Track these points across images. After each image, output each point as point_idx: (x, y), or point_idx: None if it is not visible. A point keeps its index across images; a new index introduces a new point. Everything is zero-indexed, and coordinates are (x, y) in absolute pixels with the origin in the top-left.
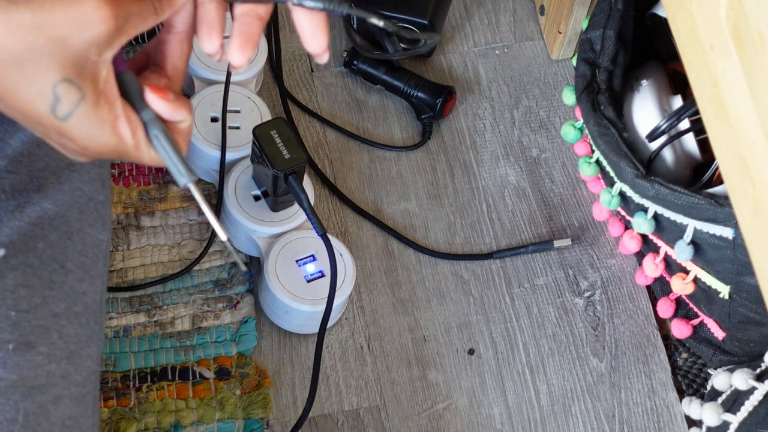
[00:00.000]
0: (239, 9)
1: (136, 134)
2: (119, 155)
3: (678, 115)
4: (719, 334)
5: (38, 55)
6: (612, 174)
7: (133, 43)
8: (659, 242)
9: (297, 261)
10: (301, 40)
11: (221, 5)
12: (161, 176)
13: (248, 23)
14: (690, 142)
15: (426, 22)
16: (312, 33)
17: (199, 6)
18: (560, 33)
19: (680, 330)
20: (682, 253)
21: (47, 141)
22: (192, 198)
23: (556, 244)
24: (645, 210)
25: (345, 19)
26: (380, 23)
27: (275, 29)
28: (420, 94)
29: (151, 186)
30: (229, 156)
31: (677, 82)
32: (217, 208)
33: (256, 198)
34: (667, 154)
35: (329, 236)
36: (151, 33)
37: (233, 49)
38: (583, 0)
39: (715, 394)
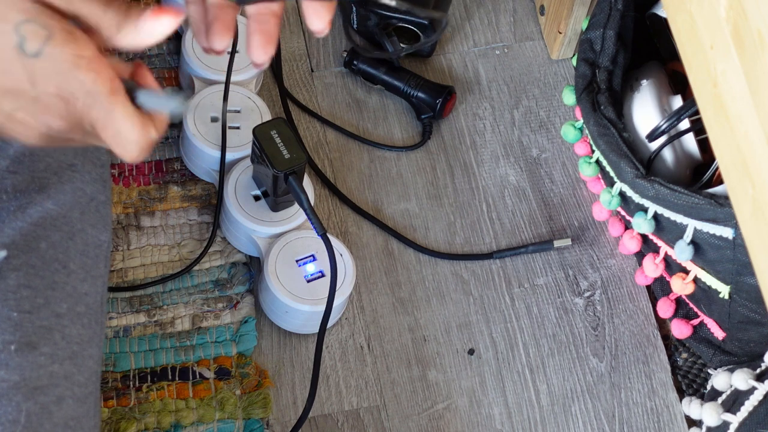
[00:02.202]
0: (252, 8)
1: (115, 80)
2: (92, 98)
3: (678, 115)
4: (719, 334)
5: None
6: (612, 174)
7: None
8: (659, 242)
9: (297, 261)
10: (303, 17)
11: (234, 7)
12: (161, 176)
13: (264, 21)
14: (690, 142)
15: (426, 22)
16: (317, 12)
17: (212, 6)
18: (560, 33)
19: (680, 330)
20: (682, 253)
21: (20, 111)
22: (192, 198)
23: (556, 244)
24: (645, 210)
25: (345, 18)
26: (392, 3)
27: None
28: (420, 94)
29: (151, 186)
30: (229, 156)
31: (677, 82)
32: (217, 208)
33: (256, 198)
34: (667, 154)
35: (329, 236)
36: None
37: (255, 47)
38: (583, 0)
39: (715, 394)
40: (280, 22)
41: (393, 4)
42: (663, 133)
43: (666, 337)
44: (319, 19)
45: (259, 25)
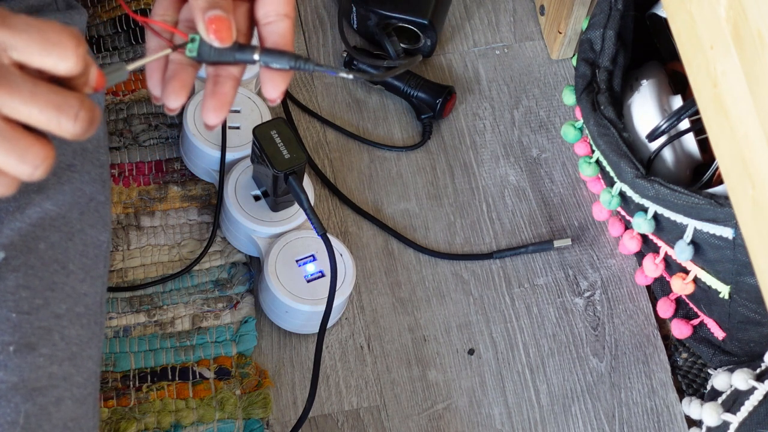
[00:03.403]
0: (212, 68)
1: None
2: None
3: (678, 115)
4: (719, 334)
5: None
6: (612, 174)
7: (131, 41)
8: (659, 242)
9: (297, 261)
10: (260, 81)
11: (194, 66)
12: (161, 176)
13: (222, 83)
14: (690, 142)
15: (426, 22)
16: (273, 81)
17: (172, 62)
18: (560, 33)
19: (680, 330)
20: (682, 253)
21: None
22: (192, 198)
23: (556, 244)
24: (645, 210)
25: (345, 19)
26: (349, 76)
27: None
28: (420, 94)
29: (151, 186)
30: (229, 156)
31: (677, 82)
32: (217, 208)
33: (256, 198)
34: (667, 154)
35: (329, 236)
36: None
37: (207, 111)
38: (583, 0)
39: (715, 394)
40: (237, 85)
41: (350, 77)
42: (663, 133)
43: (666, 337)
44: (274, 89)
45: (215, 86)
